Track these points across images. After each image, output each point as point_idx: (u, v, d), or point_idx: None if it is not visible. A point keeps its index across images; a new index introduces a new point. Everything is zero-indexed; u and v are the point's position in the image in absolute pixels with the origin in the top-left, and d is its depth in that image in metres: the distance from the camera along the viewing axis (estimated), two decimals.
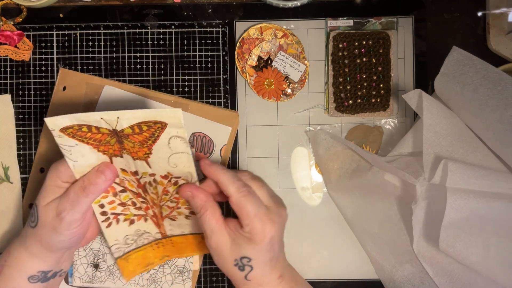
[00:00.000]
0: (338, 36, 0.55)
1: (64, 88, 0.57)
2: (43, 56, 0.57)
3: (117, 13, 0.57)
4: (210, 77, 0.57)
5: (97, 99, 0.56)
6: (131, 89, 0.56)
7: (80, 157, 0.45)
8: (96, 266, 0.56)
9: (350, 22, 0.56)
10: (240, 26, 0.57)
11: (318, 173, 0.57)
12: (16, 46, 0.56)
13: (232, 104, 0.57)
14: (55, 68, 0.57)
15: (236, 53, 0.56)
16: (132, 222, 0.52)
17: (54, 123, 0.42)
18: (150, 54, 0.57)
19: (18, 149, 0.57)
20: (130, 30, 0.57)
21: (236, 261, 0.45)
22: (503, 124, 0.44)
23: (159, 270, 0.56)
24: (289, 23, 0.57)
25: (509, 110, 0.43)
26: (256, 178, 0.48)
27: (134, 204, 0.51)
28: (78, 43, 0.57)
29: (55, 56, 0.57)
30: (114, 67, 0.57)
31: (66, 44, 0.57)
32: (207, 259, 0.57)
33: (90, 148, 0.45)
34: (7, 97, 0.57)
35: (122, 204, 0.50)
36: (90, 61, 0.57)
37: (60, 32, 0.57)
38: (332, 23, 0.56)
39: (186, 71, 0.57)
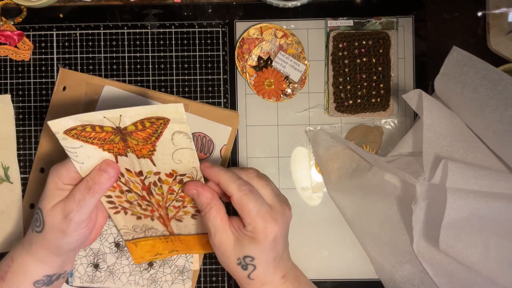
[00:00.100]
0: (338, 36, 0.55)
1: (64, 88, 0.57)
2: (43, 56, 0.57)
3: (117, 13, 0.57)
4: (210, 77, 0.57)
5: (97, 99, 0.56)
6: (131, 89, 0.56)
7: (86, 158, 0.45)
8: (96, 266, 0.56)
9: (350, 22, 0.56)
10: (240, 26, 0.57)
11: (318, 173, 0.57)
12: (16, 46, 0.56)
13: (232, 104, 0.57)
14: (55, 68, 0.57)
15: (236, 53, 0.56)
16: (139, 218, 0.52)
17: (57, 125, 0.42)
18: (150, 54, 0.57)
19: (18, 149, 0.57)
20: (130, 30, 0.57)
21: (239, 260, 0.45)
22: (503, 124, 0.44)
23: (159, 270, 0.56)
24: (289, 23, 0.57)
25: (509, 110, 0.43)
26: (262, 176, 0.47)
27: (140, 205, 0.51)
28: (78, 43, 0.57)
29: (55, 56, 0.57)
30: (114, 67, 0.57)
31: (66, 44, 0.57)
32: (207, 259, 0.57)
33: (95, 148, 0.45)
34: (7, 97, 0.57)
35: (129, 202, 0.50)
36: (90, 61, 0.57)
37: (60, 32, 0.57)
38: (332, 23, 0.56)
39: (186, 71, 0.57)
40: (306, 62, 0.56)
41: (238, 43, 0.56)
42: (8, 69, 0.57)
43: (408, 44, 0.56)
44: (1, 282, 0.47)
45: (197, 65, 0.57)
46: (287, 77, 0.56)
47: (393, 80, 0.56)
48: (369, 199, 0.53)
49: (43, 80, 0.57)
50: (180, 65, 0.57)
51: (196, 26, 0.57)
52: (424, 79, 0.56)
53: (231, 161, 0.57)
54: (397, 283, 0.54)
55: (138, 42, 0.57)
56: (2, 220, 0.56)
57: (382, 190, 0.52)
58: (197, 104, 0.56)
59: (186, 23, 0.57)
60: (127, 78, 0.57)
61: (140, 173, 0.47)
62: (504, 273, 0.46)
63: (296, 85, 0.56)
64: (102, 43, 0.57)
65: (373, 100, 0.56)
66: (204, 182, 0.48)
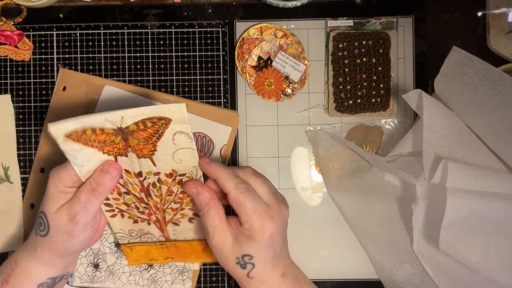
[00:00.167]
0: (338, 36, 0.55)
1: (64, 88, 0.57)
2: (43, 56, 0.57)
3: (117, 13, 0.57)
4: (210, 77, 0.57)
5: (97, 99, 0.56)
6: (131, 89, 0.56)
7: (86, 162, 0.45)
8: (96, 266, 0.56)
9: (350, 22, 0.56)
10: (240, 26, 0.57)
11: (318, 173, 0.57)
12: (16, 46, 0.56)
13: (232, 104, 0.57)
14: (55, 68, 0.57)
15: (236, 53, 0.56)
16: (136, 221, 0.52)
17: (58, 128, 0.42)
18: (150, 54, 0.57)
19: (18, 149, 0.57)
20: (130, 30, 0.57)
21: (238, 259, 0.45)
22: (503, 124, 0.44)
23: (159, 270, 0.56)
24: (289, 23, 0.57)
25: (509, 110, 0.44)
26: (258, 175, 0.47)
27: (137, 208, 0.51)
28: (78, 43, 0.57)
29: (55, 56, 0.57)
30: (114, 67, 0.57)
31: (66, 44, 0.57)
32: None
33: (95, 151, 0.45)
34: (7, 97, 0.57)
35: (126, 204, 0.50)
36: (90, 61, 0.57)
37: (60, 32, 0.57)
38: (332, 23, 0.56)
39: (186, 71, 0.57)
40: (306, 62, 0.56)
41: (238, 43, 0.56)
42: (8, 69, 0.57)
43: (408, 44, 0.56)
44: (5, 285, 0.47)
45: (197, 65, 0.57)
46: (287, 77, 0.56)
47: (393, 80, 0.56)
48: (369, 199, 0.53)
49: (43, 80, 0.57)
50: (180, 65, 0.57)
51: (196, 26, 0.57)
52: (424, 79, 0.56)
53: (231, 161, 0.57)
54: (397, 283, 0.54)
55: (138, 42, 0.57)
56: (2, 220, 0.56)
57: (382, 190, 0.52)
58: (197, 104, 0.56)
59: (186, 23, 0.57)
60: (127, 78, 0.57)
61: (139, 174, 0.47)
62: (504, 273, 0.46)
63: (296, 85, 0.56)
64: (102, 43, 0.57)
65: (373, 100, 0.56)
66: (203, 182, 0.48)
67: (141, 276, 0.56)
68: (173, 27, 0.57)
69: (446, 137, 0.48)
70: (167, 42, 0.57)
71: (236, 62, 0.56)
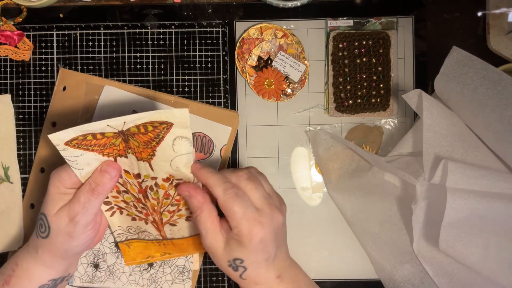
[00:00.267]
0: (338, 36, 0.55)
1: (64, 88, 0.57)
2: (43, 56, 0.57)
3: (117, 13, 0.57)
4: (210, 77, 0.57)
5: (97, 99, 0.56)
6: (131, 89, 0.56)
7: (86, 165, 0.45)
8: (96, 266, 0.56)
9: (350, 22, 0.56)
10: (240, 26, 0.57)
11: (318, 173, 0.57)
12: (16, 46, 0.56)
13: (232, 104, 0.57)
14: (55, 68, 0.57)
15: (236, 53, 0.56)
16: (134, 219, 0.52)
17: (58, 137, 0.42)
18: (150, 54, 0.57)
19: (18, 149, 0.57)
20: (130, 30, 0.57)
21: (229, 262, 0.45)
22: (503, 124, 0.44)
23: (159, 270, 0.56)
24: (289, 23, 0.57)
25: (509, 110, 0.43)
26: (252, 179, 0.46)
27: (135, 207, 0.51)
28: (78, 43, 0.57)
29: (55, 56, 0.57)
30: (114, 67, 0.57)
31: (66, 44, 0.57)
32: (207, 259, 0.57)
33: (95, 154, 0.45)
34: (7, 97, 0.57)
35: (125, 202, 0.50)
36: (90, 61, 0.57)
37: (60, 32, 0.57)
38: (332, 23, 0.56)
39: (186, 71, 0.57)
40: (306, 62, 0.56)
41: (238, 43, 0.56)
42: (8, 69, 0.57)
43: (408, 44, 0.56)
44: (5, 286, 0.48)
45: (197, 65, 0.57)
46: (287, 77, 0.56)
47: (393, 80, 0.56)
48: (369, 199, 0.54)
49: (43, 80, 0.57)
50: (180, 65, 0.57)
51: (196, 26, 0.57)
52: (424, 79, 0.56)
53: (231, 161, 0.57)
54: (397, 283, 0.54)
55: (138, 42, 0.57)
56: (2, 220, 0.56)
57: (382, 190, 0.52)
58: (197, 104, 0.56)
59: (186, 23, 0.57)
60: (127, 78, 0.57)
61: (138, 176, 0.47)
62: (504, 273, 0.46)
63: (296, 85, 0.56)
64: (102, 43, 0.57)
65: (373, 100, 0.56)
66: (200, 185, 0.48)
67: (141, 276, 0.56)
68: (173, 27, 0.57)
69: (446, 137, 0.48)
70: (167, 42, 0.57)
71: (236, 62, 0.56)
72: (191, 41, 0.57)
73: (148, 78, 0.57)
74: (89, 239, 0.48)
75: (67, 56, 0.57)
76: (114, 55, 0.57)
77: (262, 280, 0.46)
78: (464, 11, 0.56)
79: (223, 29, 0.57)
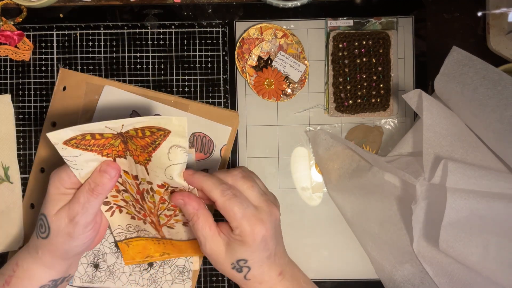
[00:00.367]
0: (338, 36, 0.55)
1: (64, 88, 0.57)
2: (43, 56, 0.57)
3: (117, 13, 0.57)
4: (210, 77, 0.57)
5: (97, 99, 0.56)
6: (131, 89, 0.56)
7: (85, 165, 0.45)
8: (96, 266, 0.56)
9: (350, 22, 0.56)
10: (240, 26, 0.57)
11: (318, 173, 0.57)
12: (16, 46, 0.56)
13: (232, 104, 0.57)
14: (55, 68, 0.57)
15: (236, 53, 0.56)
16: (133, 217, 0.52)
17: (57, 136, 0.42)
18: (150, 54, 0.57)
19: (18, 149, 0.57)
20: (130, 30, 0.57)
21: (233, 264, 0.45)
22: (503, 124, 0.44)
23: (159, 270, 0.56)
24: (289, 23, 0.57)
25: (509, 110, 0.43)
26: (247, 177, 0.47)
27: (134, 206, 0.51)
28: (78, 43, 0.57)
29: (55, 56, 0.57)
30: (114, 67, 0.57)
31: (66, 44, 0.57)
32: (207, 259, 0.57)
33: (94, 154, 0.45)
34: (7, 97, 0.57)
35: (125, 200, 0.50)
36: (90, 61, 0.57)
37: (60, 32, 0.57)
38: (332, 23, 0.56)
39: (186, 71, 0.57)
40: (306, 62, 0.56)
41: (238, 43, 0.56)
42: (8, 69, 0.57)
43: (408, 44, 0.56)
44: (6, 286, 0.48)
45: (197, 65, 0.57)
46: (287, 77, 0.56)
47: (393, 80, 0.56)
48: (369, 199, 0.53)
49: (43, 80, 0.57)
50: (180, 65, 0.57)
51: (196, 26, 0.57)
52: (424, 79, 0.56)
53: (231, 161, 0.57)
54: (397, 283, 0.54)
55: (138, 42, 0.57)
56: (2, 220, 0.56)
57: (382, 190, 0.52)
58: (197, 104, 0.56)
59: (186, 23, 0.57)
60: (127, 78, 0.57)
61: (136, 177, 0.48)
62: (504, 273, 0.46)
63: (296, 85, 0.56)
64: (102, 43, 0.57)
65: (373, 100, 0.56)
66: (196, 193, 0.47)
67: (141, 276, 0.56)
68: (173, 27, 0.57)
69: (446, 137, 0.48)
70: (167, 42, 0.57)
71: (236, 62, 0.56)
72: (191, 41, 0.57)
73: (148, 78, 0.57)
74: (89, 240, 0.48)
75: (67, 56, 0.57)
76: (114, 55, 0.57)
77: (266, 278, 0.46)
78: (464, 11, 0.56)
79: (223, 29, 0.57)
